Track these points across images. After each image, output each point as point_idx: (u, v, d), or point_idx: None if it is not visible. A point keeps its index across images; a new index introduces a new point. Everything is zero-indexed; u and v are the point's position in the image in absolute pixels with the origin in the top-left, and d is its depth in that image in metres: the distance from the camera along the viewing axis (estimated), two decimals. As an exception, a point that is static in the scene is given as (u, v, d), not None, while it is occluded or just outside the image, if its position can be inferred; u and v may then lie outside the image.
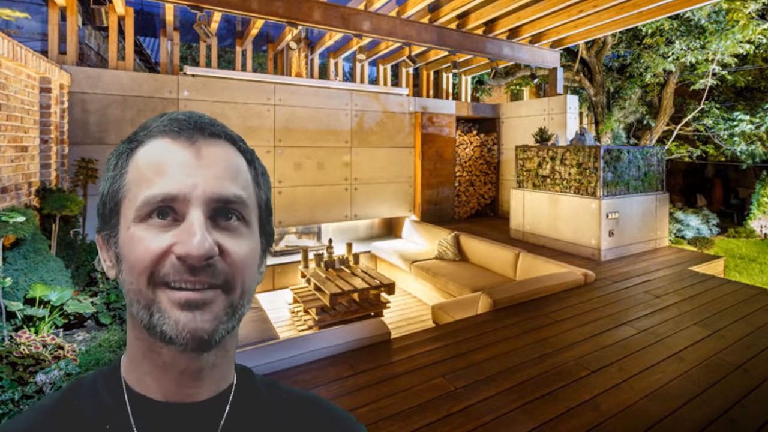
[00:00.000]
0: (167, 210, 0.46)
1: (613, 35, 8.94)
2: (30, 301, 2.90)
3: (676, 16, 7.63)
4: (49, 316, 2.87)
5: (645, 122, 10.17)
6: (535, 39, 6.92)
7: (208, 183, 0.47)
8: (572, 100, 7.01)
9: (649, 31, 8.01)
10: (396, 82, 9.10)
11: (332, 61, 8.06)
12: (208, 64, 6.89)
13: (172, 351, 0.46)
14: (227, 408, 0.51)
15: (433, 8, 6.10)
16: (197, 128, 0.49)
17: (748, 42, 7.68)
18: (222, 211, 0.48)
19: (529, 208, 6.03)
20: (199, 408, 0.49)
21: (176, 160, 0.47)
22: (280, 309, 5.38)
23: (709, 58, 8.15)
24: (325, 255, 5.49)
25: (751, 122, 8.70)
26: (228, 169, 0.49)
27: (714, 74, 8.71)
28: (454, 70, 7.35)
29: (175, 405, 0.48)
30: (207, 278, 0.45)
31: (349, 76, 11.18)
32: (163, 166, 0.47)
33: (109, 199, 0.49)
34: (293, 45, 5.61)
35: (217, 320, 0.46)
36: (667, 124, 9.81)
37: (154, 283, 0.45)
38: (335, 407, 0.60)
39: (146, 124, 0.51)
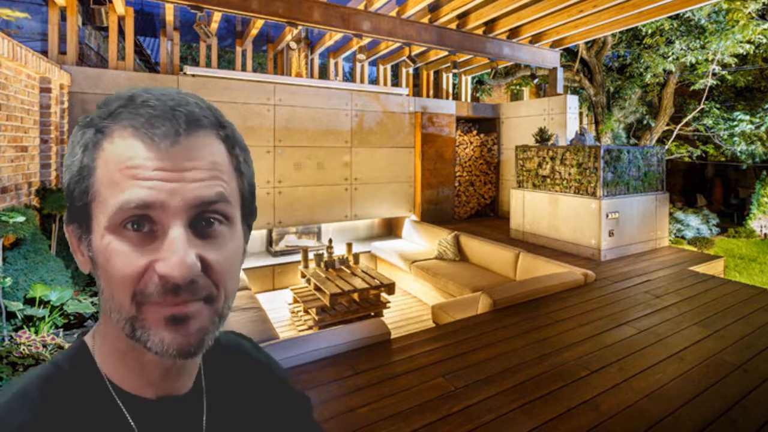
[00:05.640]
0: (143, 220, 0.42)
1: (613, 35, 8.94)
2: (30, 301, 2.90)
3: (676, 16, 7.63)
4: (49, 316, 2.87)
5: (645, 122, 10.17)
6: (535, 39, 6.92)
7: (187, 188, 0.43)
8: (572, 100, 7.01)
9: (649, 31, 8.01)
10: (396, 82, 9.10)
11: (332, 61, 8.06)
12: (208, 64, 6.89)
13: (148, 354, 0.44)
14: (204, 397, 0.53)
15: (433, 8, 6.10)
16: (173, 124, 0.43)
17: (748, 42, 7.69)
18: (203, 217, 0.44)
19: (529, 208, 6.03)
20: (184, 400, 0.50)
21: (150, 163, 0.42)
22: (280, 309, 5.38)
23: (709, 58, 8.15)
24: (325, 255, 5.49)
25: (751, 122, 8.70)
26: (209, 168, 0.45)
27: (714, 74, 8.71)
28: (454, 70, 7.35)
29: (164, 400, 0.48)
30: (190, 295, 0.43)
31: (349, 76, 11.18)
32: (135, 170, 0.42)
33: (77, 196, 0.44)
34: (293, 45, 5.61)
35: (202, 332, 0.44)
36: (667, 124, 9.81)
37: (138, 302, 0.42)
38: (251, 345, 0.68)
39: (110, 108, 0.44)
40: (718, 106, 9.36)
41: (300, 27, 5.17)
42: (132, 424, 0.46)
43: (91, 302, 3.22)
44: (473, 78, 9.93)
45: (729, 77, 9.24)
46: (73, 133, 0.46)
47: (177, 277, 0.41)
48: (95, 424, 0.44)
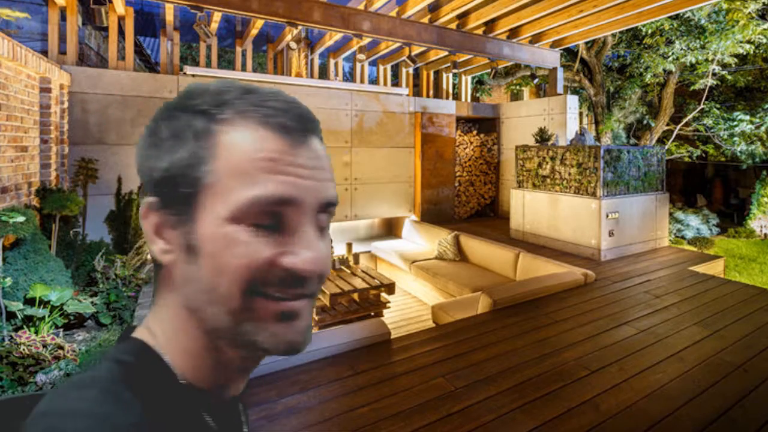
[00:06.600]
0: (273, 213, 0.42)
1: (613, 35, 8.94)
2: (30, 301, 2.90)
3: (676, 16, 7.63)
4: (49, 316, 2.87)
5: (645, 122, 10.17)
6: (535, 39, 6.92)
7: (319, 187, 0.44)
8: (572, 100, 7.01)
9: (649, 31, 8.01)
10: (396, 82, 9.10)
11: (332, 61, 8.06)
12: (208, 64, 6.89)
13: (237, 351, 0.44)
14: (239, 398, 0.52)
15: (433, 8, 6.10)
16: (301, 122, 0.44)
17: (748, 42, 7.69)
18: (321, 215, 0.45)
19: (529, 208, 6.03)
20: (237, 401, 0.50)
21: (287, 158, 0.43)
22: (280, 309, 5.37)
23: (709, 58, 8.15)
24: (325, 255, 5.48)
25: (751, 122, 8.70)
26: (327, 169, 0.46)
27: (714, 74, 8.71)
28: (454, 70, 7.35)
29: (232, 400, 0.48)
30: (303, 290, 0.43)
31: (349, 76, 11.18)
32: (270, 163, 0.42)
33: (184, 183, 0.42)
34: (293, 45, 5.61)
35: (308, 329, 0.45)
36: (667, 124, 9.81)
37: (251, 292, 0.41)
38: None
39: (221, 97, 0.44)
40: (718, 106, 9.36)
41: (300, 27, 5.17)
42: (212, 424, 0.45)
43: (91, 302, 3.22)
44: (473, 78, 9.93)
45: (729, 77, 9.24)
46: (172, 118, 0.44)
47: (310, 272, 0.42)
48: (182, 424, 0.42)
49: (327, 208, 0.46)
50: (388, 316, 5.05)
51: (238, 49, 7.20)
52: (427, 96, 8.63)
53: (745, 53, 7.96)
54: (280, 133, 0.43)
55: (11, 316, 2.80)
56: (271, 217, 0.42)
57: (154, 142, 0.44)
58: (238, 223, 0.41)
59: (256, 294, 0.42)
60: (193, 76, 5.65)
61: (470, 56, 7.50)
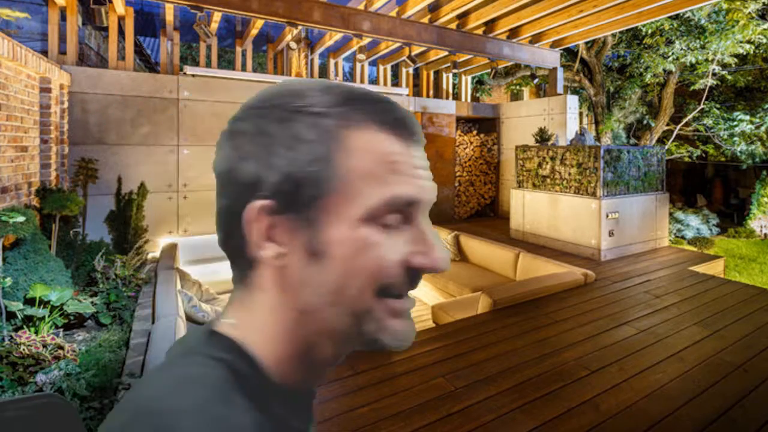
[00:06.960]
0: (401, 213, 0.43)
1: (613, 35, 8.94)
2: (30, 301, 2.90)
3: (676, 16, 7.63)
4: (49, 316, 2.87)
5: (645, 122, 10.17)
6: (535, 39, 6.92)
7: (432, 187, 0.46)
8: (572, 100, 7.02)
9: (649, 31, 8.01)
10: (396, 82, 9.10)
11: (332, 61, 8.06)
12: (208, 64, 6.89)
13: (335, 348, 0.44)
14: None
15: (433, 8, 6.10)
16: (414, 127, 0.46)
17: (748, 42, 7.69)
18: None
19: (529, 208, 6.03)
20: (312, 395, 0.50)
21: (410, 162, 0.44)
22: (280, 309, 5.38)
23: (709, 58, 8.15)
24: (325, 255, 5.48)
25: (751, 122, 8.70)
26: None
27: (714, 74, 8.71)
28: (454, 70, 7.35)
29: (309, 392, 0.49)
30: (415, 285, 0.45)
31: (349, 76, 11.17)
32: (398, 166, 0.43)
33: (310, 185, 0.41)
34: (293, 45, 5.61)
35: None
36: (667, 124, 9.81)
37: (380, 292, 0.42)
38: None
39: (334, 100, 0.43)
40: (718, 106, 9.36)
41: (300, 27, 5.17)
42: (301, 426, 0.45)
43: (91, 302, 3.22)
44: (473, 78, 9.93)
45: (729, 77, 9.24)
46: (284, 118, 0.42)
47: (439, 269, 0.43)
48: (280, 423, 0.42)
49: (430, 205, 0.48)
50: (388, 316, 5.05)
51: (238, 49, 7.20)
52: (427, 96, 8.63)
53: (745, 53, 7.96)
54: (397, 135, 0.44)
55: (11, 316, 2.80)
56: (399, 218, 0.43)
57: (262, 142, 0.42)
58: (371, 225, 0.41)
59: (384, 294, 0.42)
60: (193, 76, 5.65)
61: (470, 56, 7.50)
